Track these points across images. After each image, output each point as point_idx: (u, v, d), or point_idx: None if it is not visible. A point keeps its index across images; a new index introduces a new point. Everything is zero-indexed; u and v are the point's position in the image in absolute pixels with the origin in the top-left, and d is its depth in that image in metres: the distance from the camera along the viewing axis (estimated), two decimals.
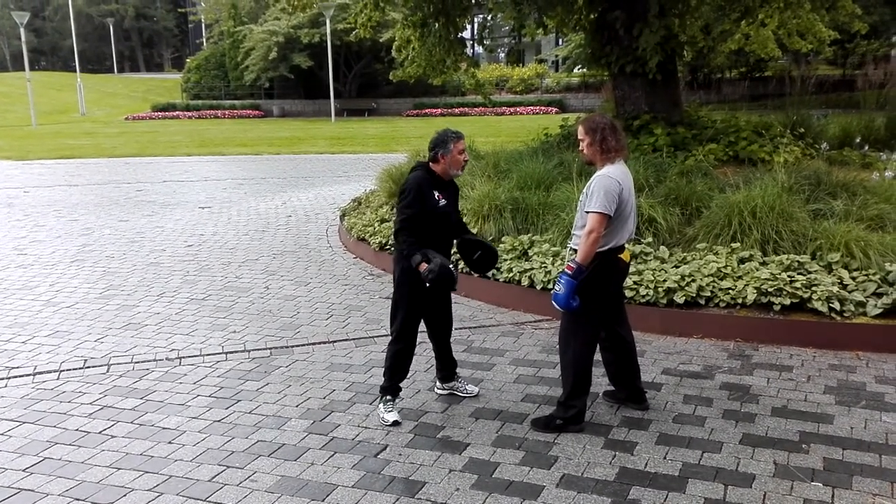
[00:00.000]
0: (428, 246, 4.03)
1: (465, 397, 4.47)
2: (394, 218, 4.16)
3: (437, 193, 4.09)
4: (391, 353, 4.23)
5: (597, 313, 3.98)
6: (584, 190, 3.92)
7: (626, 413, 4.21)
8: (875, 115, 10.26)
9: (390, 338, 4.26)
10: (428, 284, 3.94)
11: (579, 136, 4.00)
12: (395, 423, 4.13)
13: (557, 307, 3.88)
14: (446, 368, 4.50)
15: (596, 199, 3.76)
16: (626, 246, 4.02)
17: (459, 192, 4.48)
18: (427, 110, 38.76)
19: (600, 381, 4.39)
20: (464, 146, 4.13)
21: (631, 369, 4.24)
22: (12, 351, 5.49)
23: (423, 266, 3.94)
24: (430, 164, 4.15)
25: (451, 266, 3.98)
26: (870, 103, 11.42)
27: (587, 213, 3.80)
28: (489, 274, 6.36)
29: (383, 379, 4.26)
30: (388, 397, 4.24)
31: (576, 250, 3.94)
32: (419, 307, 4.20)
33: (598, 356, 4.17)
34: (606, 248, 3.86)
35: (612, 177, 3.81)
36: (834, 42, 14.16)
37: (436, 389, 4.57)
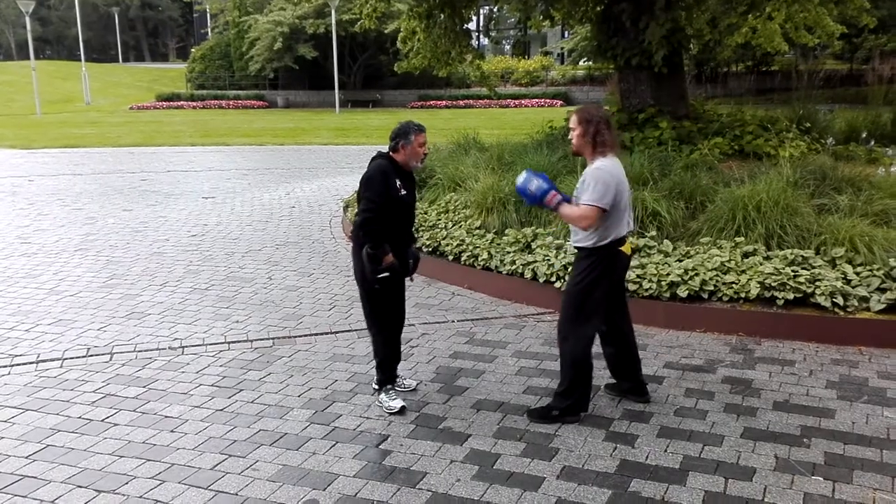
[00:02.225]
0: (388, 235, 4.03)
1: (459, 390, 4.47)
2: (358, 207, 4.12)
3: (398, 182, 4.09)
4: (377, 344, 4.25)
5: (599, 305, 3.98)
6: (578, 185, 3.92)
7: (627, 406, 4.21)
8: (882, 110, 10.21)
9: (370, 332, 4.28)
10: (378, 277, 3.99)
11: (571, 125, 3.98)
12: (403, 410, 4.15)
13: (520, 193, 3.99)
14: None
15: (591, 192, 3.76)
16: (628, 239, 4.01)
17: (416, 183, 4.46)
18: (432, 102, 38.62)
19: (602, 373, 4.39)
20: (424, 139, 4.13)
21: (632, 362, 4.24)
22: (16, 339, 5.52)
23: (389, 258, 3.98)
24: (391, 153, 4.15)
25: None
26: (877, 98, 11.35)
27: (581, 206, 3.80)
28: (492, 266, 6.40)
29: (377, 373, 4.29)
30: (388, 386, 4.27)
31: (578, 248, 3.95)
32: (382, 295, 4.16)
33: (599, 349, 4.17)
34: (607, 241, 3.86)
35: (605, 170, 3.81)
36: (842, 36, 14.06)
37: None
